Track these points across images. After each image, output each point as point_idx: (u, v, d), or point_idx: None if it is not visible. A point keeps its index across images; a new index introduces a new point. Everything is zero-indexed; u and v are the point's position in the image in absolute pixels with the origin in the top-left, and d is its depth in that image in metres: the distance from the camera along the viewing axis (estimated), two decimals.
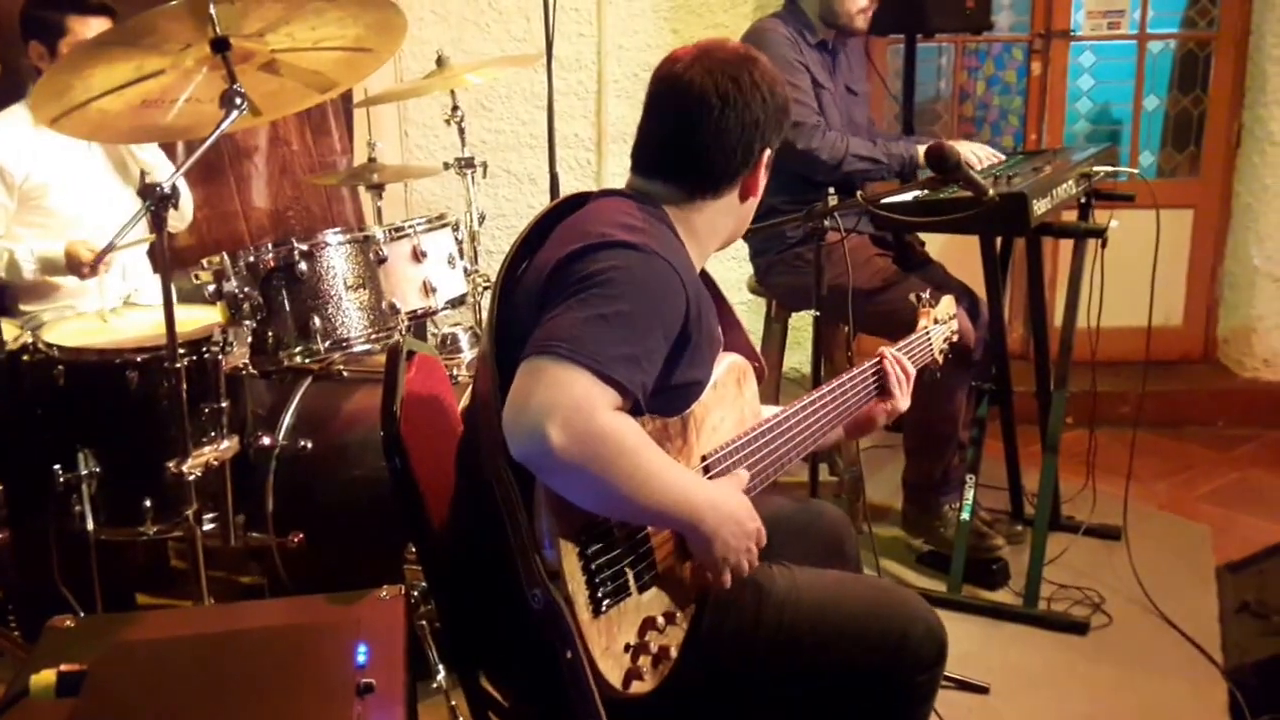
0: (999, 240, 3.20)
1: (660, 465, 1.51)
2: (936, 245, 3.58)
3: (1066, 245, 4.15)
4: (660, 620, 1.61)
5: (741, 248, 3.50)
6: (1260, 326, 4.60)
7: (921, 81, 4.38)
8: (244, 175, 3.83)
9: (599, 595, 1.52)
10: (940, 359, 2.34)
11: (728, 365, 1.81)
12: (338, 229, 2.58)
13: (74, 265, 2.95)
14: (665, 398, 1.63)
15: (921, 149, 3.22)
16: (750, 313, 4.61)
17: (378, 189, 3.27)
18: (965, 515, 3.15)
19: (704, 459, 1.72)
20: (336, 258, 2.53)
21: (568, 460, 1.42)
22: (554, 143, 3.31)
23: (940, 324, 2.35)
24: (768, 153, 1.78)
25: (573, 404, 1.42)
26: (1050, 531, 3.17)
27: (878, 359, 2.09)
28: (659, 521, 1.61)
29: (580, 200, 1.76)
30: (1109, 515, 3.44)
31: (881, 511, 3.65)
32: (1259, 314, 4.60)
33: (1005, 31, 4.73)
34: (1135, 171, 3.35)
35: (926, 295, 2.34)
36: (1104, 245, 3.02)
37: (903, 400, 2.10)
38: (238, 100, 2.14)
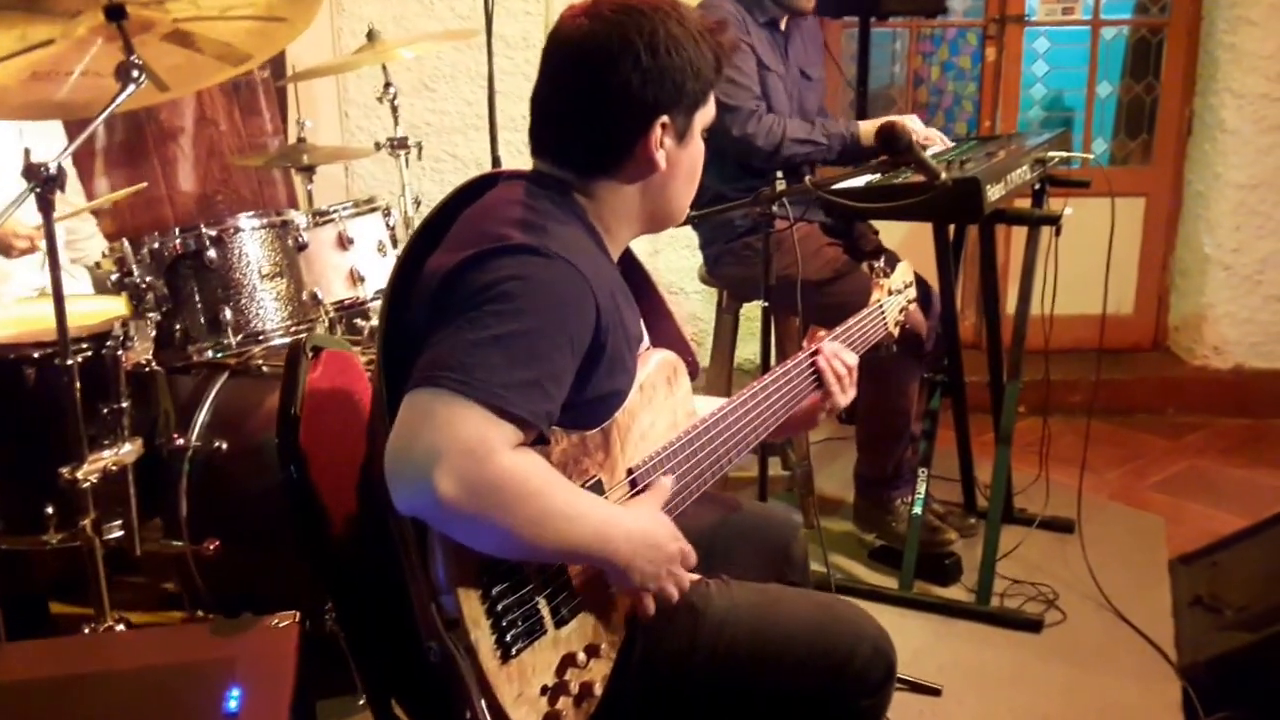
0: (951, 228, 3.02)
1: (568, 503, 1.32)
2: (889, 235, 3.40)
3: (1019, 232, 4.01)
4: (582, 656, 1.41)
5: (692, 237, 3.30)
6: (1211, 314, 4.49)
7: (875, 66, 4.23)
8: (169, 158, 3.58)
9: (508, 639, 1.33)
10: (896, 332, 2.15)
11: (656, 363, 1.61)
12: (251, 212, 2.34)
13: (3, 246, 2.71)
14: (581, 411, 1.44)
15: (863, 126, 3.03)
16: (703, 303, 4.44)
17: (308, 171, 3.02)
18: (917, 510, 2.99)
19: (630, 472, 1.52)
20: (250, 244, 2.30)
21: (460, 512, 1.22)
22: (495, 125, 3.08)
23: (896, 294, 2.16)
24: (663, 120, 1.51)
25: (464, 448, 1.22)
26: (1003, 525, 3.02)
27: (813, 350, 1.89)
28: (569, 560, 1.42)
29: (490, 183, 1.54)
30: (1062, 507, 3.32)
31: (834, 505, 3.50)
32: (1209, 302, 4.48)
33: (960, 16, 4.59)
34: (1090, 156, 3.22)
35: (880, 264, 2.15)
36: (1058, 233, 2.88)
37: (842, 397, 1.90)
38: (135, 73, 1.91)
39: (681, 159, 1.58)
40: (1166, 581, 3.05)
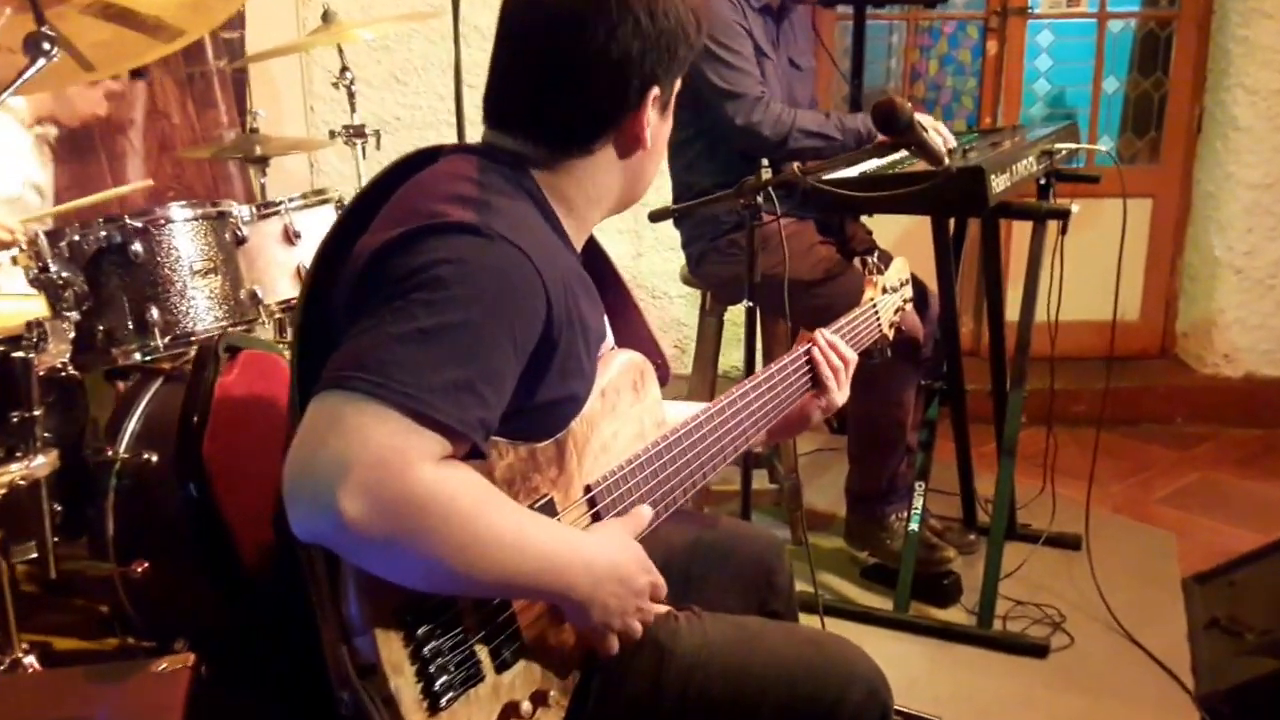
0: (951, 225, 2.84)
1: (510, 527, 1.13)
2: (883, 234, 3.22)
3: (1021, 234, 3.84)
4: (527, 706, 1.22)
5: (676, 238, 3.10)
6: (1221, 320, 4.32)
7: (871, 61, 4.05)
8: (117, 152, 3.38)
9: (436, 687, 1.14)
10: (890, 334, 1.97)
11: (621, 365, 1.43)
12: (184, 202, 2.15)
13: None
14: (530, 420, 1.25)
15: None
16: (688, 307, 4.25)
17: (261, 163, 2.82)
18: (913, 526, 2.80)
19: (589, 489, 1.33)
20: (181, 237, 2.10)
21: (370, 537, 1.04)
22: (462, 117, 2.87)
23: (891, 293, 1.97)
24: (654, 92, 1.35)
25: (375, 460, 1.03)
26: (1006, 541, 2.83)
27: (807, 346, 1.71)
28: (513, 594, 1.23)
29: (434, 156, 1.36)
30: (1068, 523, 3.13)
31: (824, 520, 3.31)
32: (1219, 307, 4.31)
33: (960, 8, 4.41)
34: (1101, 149, 3.03)
35: (873, 260, 1.96)
36: (1065, 231, 2.71)
37: (838, 394, 1.72)
38: (46, 45, 1.72)
39: (661, 133, 1.42)
40: (1180, 602, 2.88)
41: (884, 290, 1.99)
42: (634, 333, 1.53)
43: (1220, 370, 4.33)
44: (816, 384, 1.73)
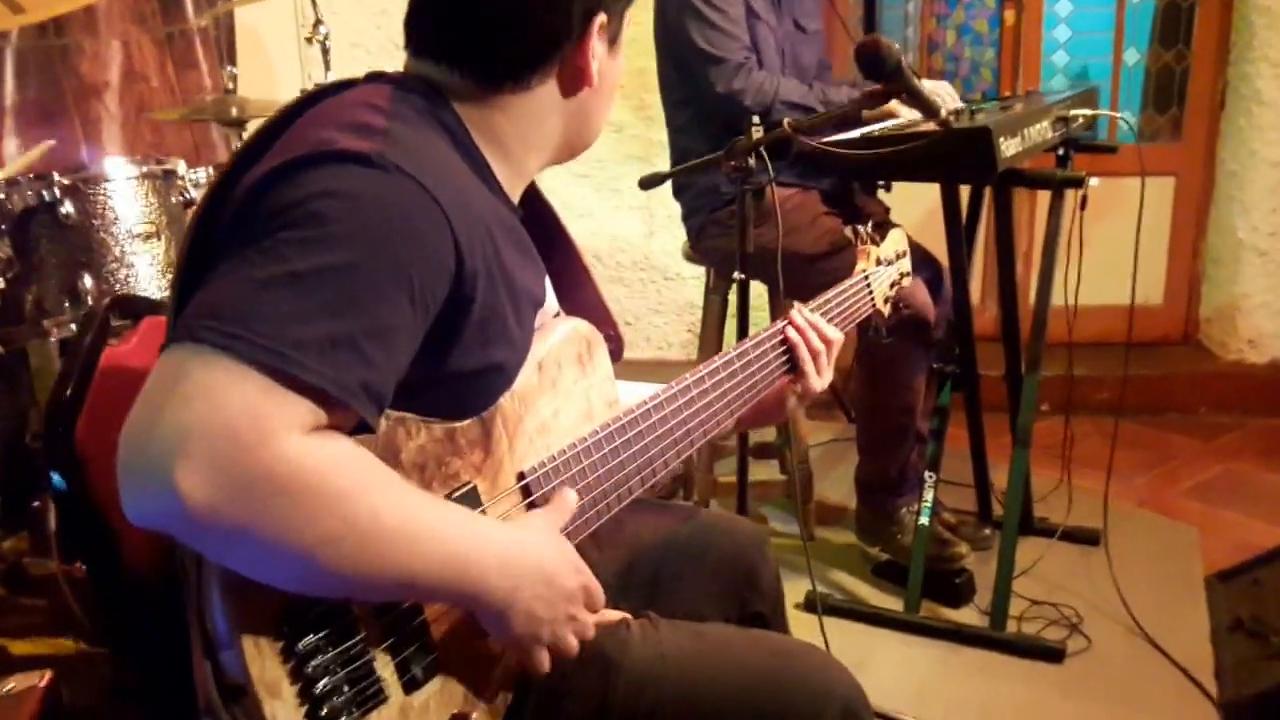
0: (965, 202, 2.61)
1: (401, 515, 0.91)
2: (902, 213, 2.99)
3: (1039, 212, 3.60)
4: None
5: (676, 211, 2.88)
6: (1245, 305, 4.07)
7: (886, 31, 3.81)
8: (92, 117, 3.15)
9: (324, 713, 0.92)
10: (886, 310, 1.74)
11: (564, 335, 1.21)
12: (124, 159, 1.93)
13: None
14: (446, 392, 1.04)
15: None
16: (702, 287, 4.03)
17: (238, 125, 2.60)
18: (924, 520, 2.57)
19: (522, 476, 1.11)
20: (119, 198, 1.89)
21: (217, 526, 0.83)
22: None
23: (886, 265, 1.74)
24: (600, 19, 1.14)
25: (224, 428, 0.82)
26: (1021, 536, 2.61)
27: (783, 324, 1.48)
28: (410, 597, 1.01)
29: (347, 87, 1.14)
30: (1086, 516, 2.90)
31: (837, 514, 3.08)
32: (1244, 291, 4.07)
33: None
34: (1118, 115, 2.79)
35: (866, 229, 1.73)
36: (1084, 205, 2.49)
37: (816, 380, 1.49)
38: None
39: (610, 71, 1.20)
40: (1203, 601, 2.66)
41: (878, 261, 1.76)
42: (583, 301, 1.30)
43: (1245, 357, 4.09)
44: (794, 367, 1.51)
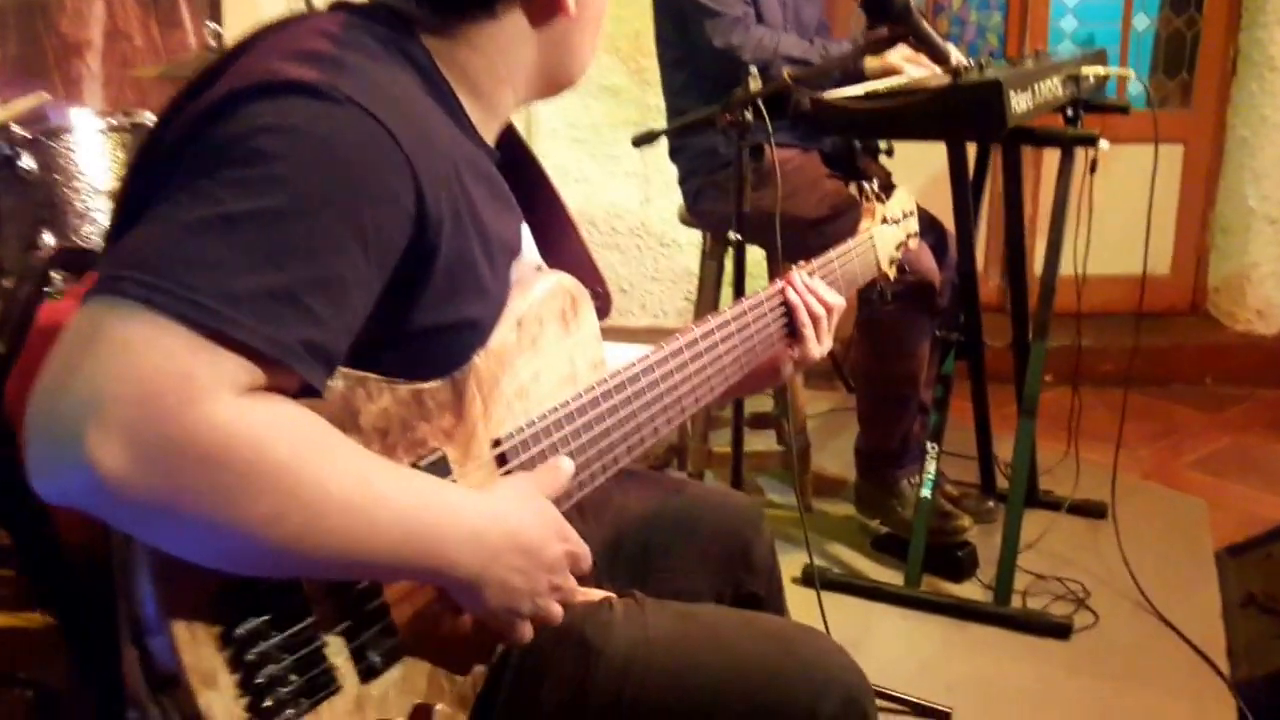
0: (972, 160, 2.50)
1: (352, 485, 0.80)
2: (904, 178, 2.87)
3: (1044, 180, 3.50)
4: None
5: (673, 177, 2.77)
6: (1255, 275, 3.98)
7: None
8: (74, 76, 3.03)
9: (266, 705, 0.82)
10: (891, 272, 1.64)
11: (546, 290, 1.10)
12: (89, 110, 1.82)
13: None
14: (410, 350, 0.93)
15: (868, 56, 2.48)
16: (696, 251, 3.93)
17: None
18: (926, 492, 2.47)
19: (497, 443, 1.01)
20: (84, 151, 1.77)
21: (137, 501, 0.72)
22: None
23: (892, 225, 1.64)
24: None
25: (143, 390, 0.72)
26: (1026, 509, 2.50)
27: (781, 287, 1.38)
28: (369, 576, 0.90)
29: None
30: (1093, 489, 2.81)
31: (835, 486, 2.98)
32: (1253, 261, 3.97)
33: None
34: (1130, 74, 2.68)
35: (872, 186, 1.62)
36: (1093, 169, 2.39)
37: (816, 347, 1.39)
38: None
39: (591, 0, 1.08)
40: (1214, 576, 2.57)
41: (883, 220, 1.65)
42: (568, 254, 1.20)
43: (1253, 328, 3.99)
44: (792, 332, 1.40)
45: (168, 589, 0.79)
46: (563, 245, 1.20)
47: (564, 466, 1.02)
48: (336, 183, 0.81)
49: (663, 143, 2.72)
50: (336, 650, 0.87)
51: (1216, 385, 3.86)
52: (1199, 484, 3.11)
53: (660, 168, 3.82)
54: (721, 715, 1.05)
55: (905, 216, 1.70)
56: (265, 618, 0.83)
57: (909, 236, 1.71)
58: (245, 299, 0.76)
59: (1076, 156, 2.32)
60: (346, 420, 0.87)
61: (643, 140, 2.16)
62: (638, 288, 4.06)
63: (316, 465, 0.78)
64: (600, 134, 3.93)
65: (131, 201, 0.90)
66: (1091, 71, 2.40)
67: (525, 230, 1.12)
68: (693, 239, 3.86)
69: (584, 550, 0.99)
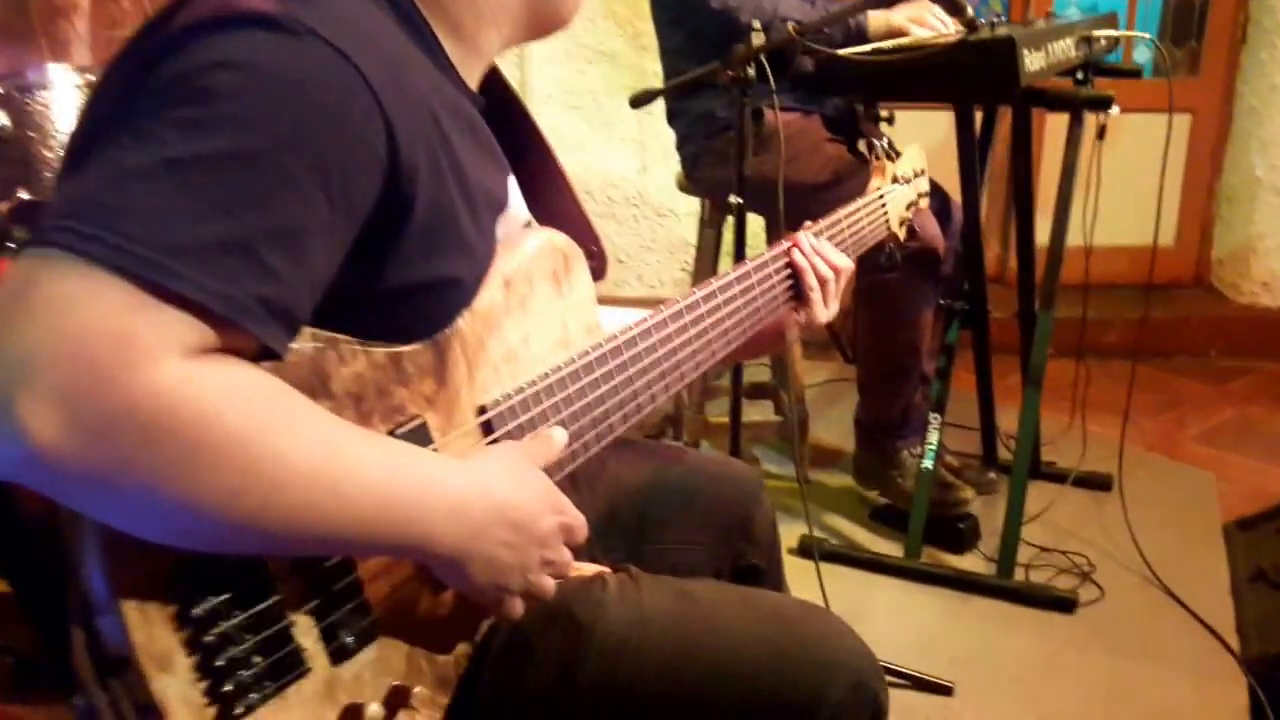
0: (978, 123, 2.42)
1: (316, 455, 0.73)
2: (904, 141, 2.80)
3: (1047, 148, 3.43)
4: (375, 709, 0.84)
5: (670, 145, 2.69)
6: (1260, 246, 3.90)
7: None
8: (61, 39, 2.92)
9: (226, 690, 0.75)
10: (902, 233, 1.57)
11: (536, 248, 1.03)
12: (68, 65, 1.74)
13: None
14: (387, 310, 0.86)
15: (873, 18, 2.38)
16: (694, 221, 3.85)
17: None
18: (927, 463, 2.41)
19: (483, 411, 0.94)
20: (61, 108, 1.69)
21: (74, 472, 0.65)
22: None
23: (903, 184, 1.56)
24: None
25: (78, 351, 0.65)
26: (1029, 480, 2.43)
27: (786, 248, 1.31)
28: (337, 552, 0.83)
29: None
30: (1096, 461, 2.75)
31: (833, 457, 2.92)
32: (1259, 232, 3.89)
33: None
34: (1146, 36, 2.60)
35: (882, 143, 1.55)
36: (1101, 135, 2.32)
37: (823, 310, 1.33)
38: None
39: None
40: (1222, 550, 2.51)
41: (895, 179, 1.58)
42: (560, 211, 1.12)
43: (1258, 299, 3.92)
44: (799, 295, 1.33)
45: (117, 564, 0.72)
46: (554, 201, 1.13)
47: (556, 437, 0.96)
48: (297, 123, 0.73)
49: (660, 109, 2.65)
50: (305, 630, 0.81)
51: (1221, 358, 3.79)
52: (1203, 457, 3.05)
53: (657, 135, 3.74)
54: (721, 699, 0.98)
55: (916, 175, 1.62)
56: (226, 596, 0.76)
57: (920, 196, 1.64)
58: (192, 250, 0.68)
59: (1086, 125, 2.24)
60: (316, 385, 0.80)
61: (641, 100, 2.08)
62: (634, 258, 3.99)
63: (276, 433, 0.71)
64: (596, 100, 3.84)
65: (78, 148, 0.82)
66: (1104, 33, 2.32)
67: (513, 184, 1.04)
68: (690, 208, 3.79)
69: (579, 521, 0.92)
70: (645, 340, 1.10)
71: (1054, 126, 2.60)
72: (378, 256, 0.83)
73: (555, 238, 1.05)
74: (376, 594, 0.86)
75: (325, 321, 0.80)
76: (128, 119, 0.72)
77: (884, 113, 2.29)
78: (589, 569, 1.04)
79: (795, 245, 1.32)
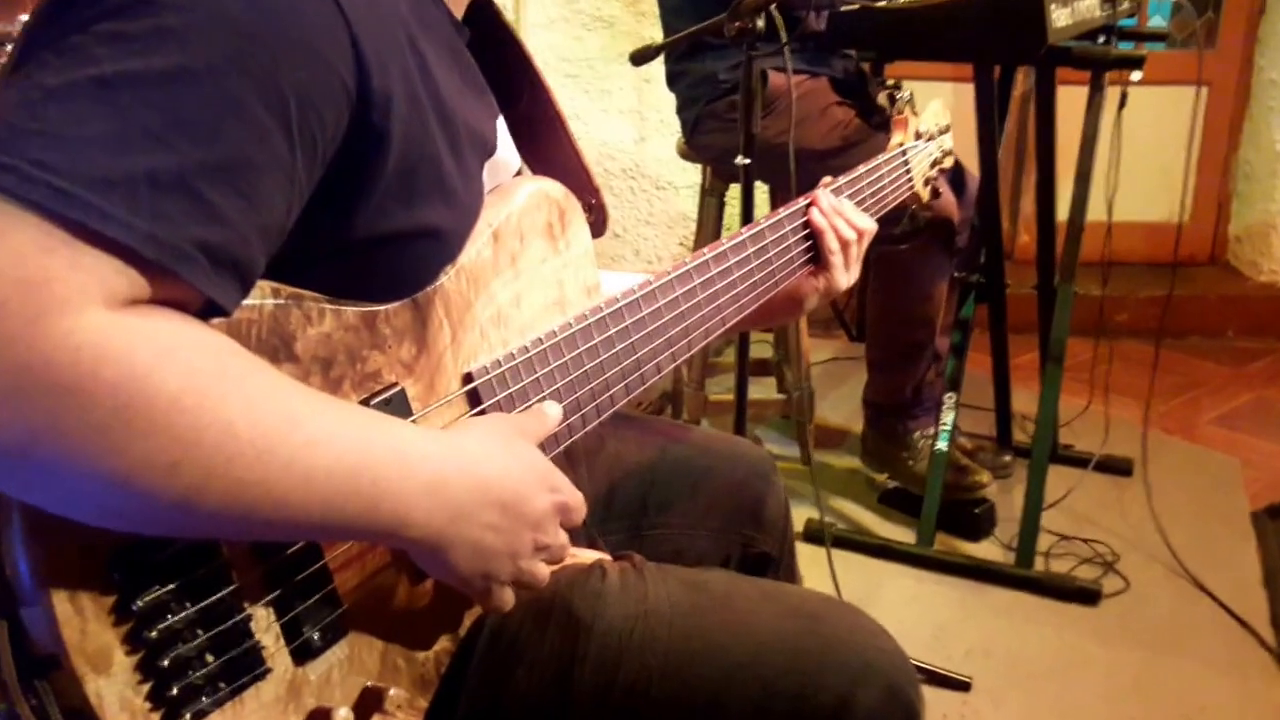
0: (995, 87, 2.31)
1: (272, 424, 0.63)
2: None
3: (1063, 121, 3.33)
4: (344, 715, 0.73)
5: (670, 116, 2.59)
6: (1279, 223, 3.77)
7: None
8: None
9: (173, 694, 0.65)
10: (926, 194, 1.47)
11: (529, 199, 0.92)
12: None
13: None
14: (365, 262, 0.75)
15: None
16: (697, 198, 3.75)
17: None
18: (941, 444, 2.31)
19: (469, 379, 0.84)
20: None
21: None
22: None
23: (926, 140, 1.46)
24: None
25: None
26: (1048, 465, 2.33)
27: (804, 206, 1.21)
28: (295, 537, 0.72)
29: None
30: (1115, 444, 2.65)
31: (839, 437, 2.82)
32: (1278, 208, 3.78)
33: None
34: None
35: (906, 95, 1.44)
36: (1122, 104, 2.26)
37: (843, 274, 1.23)
38: None
39: None
40: (1251, 539, 2.42)
41: (917, 135, 1.47)
42: (556, 159, 1.02)
43: (1277, 279, 3.82)
44: (817, 258, 1.23)
45: (45, 547, 0.61)
46: (550, 146, 1.02)
47: (550, 413, 0.85)
48: (246, 41, 0.63)
49: (660, 76, 2.54)
50: (264, 625, 0.70)
51: (1238, 339, 3.71)
52: (1222, 440, 2.96)
53: (656, 105, 3.63)
54: (736, 705, 0.87)
55: (941, 132, 1.52)
56: (173, 585, 0.66)
57: (945, 154, 1.53)
58: (120, 183, 0.58)
59: (1107, 93, 2.14)
60: (278, 347, 0.70)
61: (642, 57, 1.97)
62: (631, 232, 3.88)
63: (221, 397, 0.60)
64: (594, 68, 3.73)
65: (5, 72, 0.72)
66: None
67: (502, 127, 0.94)
68: (689, 180, 3.69)
69: (577, 500, 0.82)
70: (650, 304, 0.99)
71: (1067, 98, 2.51)
72: (347, 202, 0.72)
73: (550, 188, 0.95)
74: (346, 584, 0.75)
75: (289, 276, 0.70)
76: (52, 35, 0.61)
77: (890, 81, 2.19)
78: (587, 555, 0.94)
79: (814, 203, 1.22)
